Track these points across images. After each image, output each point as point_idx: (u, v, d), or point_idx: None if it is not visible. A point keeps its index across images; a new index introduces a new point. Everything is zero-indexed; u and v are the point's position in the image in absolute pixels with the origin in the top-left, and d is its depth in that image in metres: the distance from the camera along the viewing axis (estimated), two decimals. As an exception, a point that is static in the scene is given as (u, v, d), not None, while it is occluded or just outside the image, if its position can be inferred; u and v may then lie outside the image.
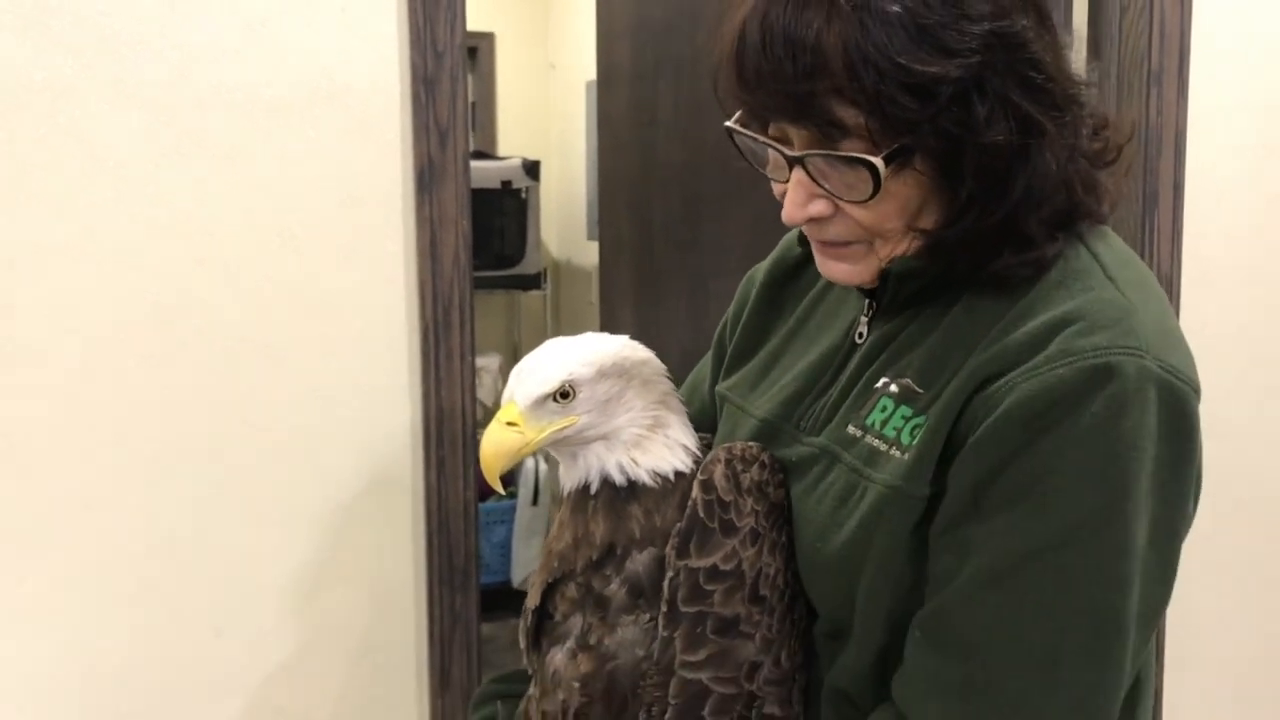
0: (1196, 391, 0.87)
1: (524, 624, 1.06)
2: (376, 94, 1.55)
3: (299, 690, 1.62)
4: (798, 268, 1.13)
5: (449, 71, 1.58)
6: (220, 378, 1.53)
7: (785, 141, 0.90)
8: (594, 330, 1.05)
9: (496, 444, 0.95)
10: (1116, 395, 0.82)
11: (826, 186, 0.89)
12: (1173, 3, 1.86)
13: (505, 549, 4.16)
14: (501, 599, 4.14)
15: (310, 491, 1.59)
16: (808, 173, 0.89)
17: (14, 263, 1.43)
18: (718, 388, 1.15)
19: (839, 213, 0.91)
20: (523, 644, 1.06)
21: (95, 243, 1.46)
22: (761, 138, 0.91)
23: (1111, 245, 0.94)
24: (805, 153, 0.88)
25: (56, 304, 1.45)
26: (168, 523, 1.53)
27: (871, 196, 0.87)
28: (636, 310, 2.72)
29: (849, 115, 0.84)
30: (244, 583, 1.58)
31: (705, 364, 1.23)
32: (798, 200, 0.91)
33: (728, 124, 0.93)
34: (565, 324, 4.51)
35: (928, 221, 0.90)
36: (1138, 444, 0.82)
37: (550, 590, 1.02)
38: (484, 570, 1.65)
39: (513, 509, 4.14)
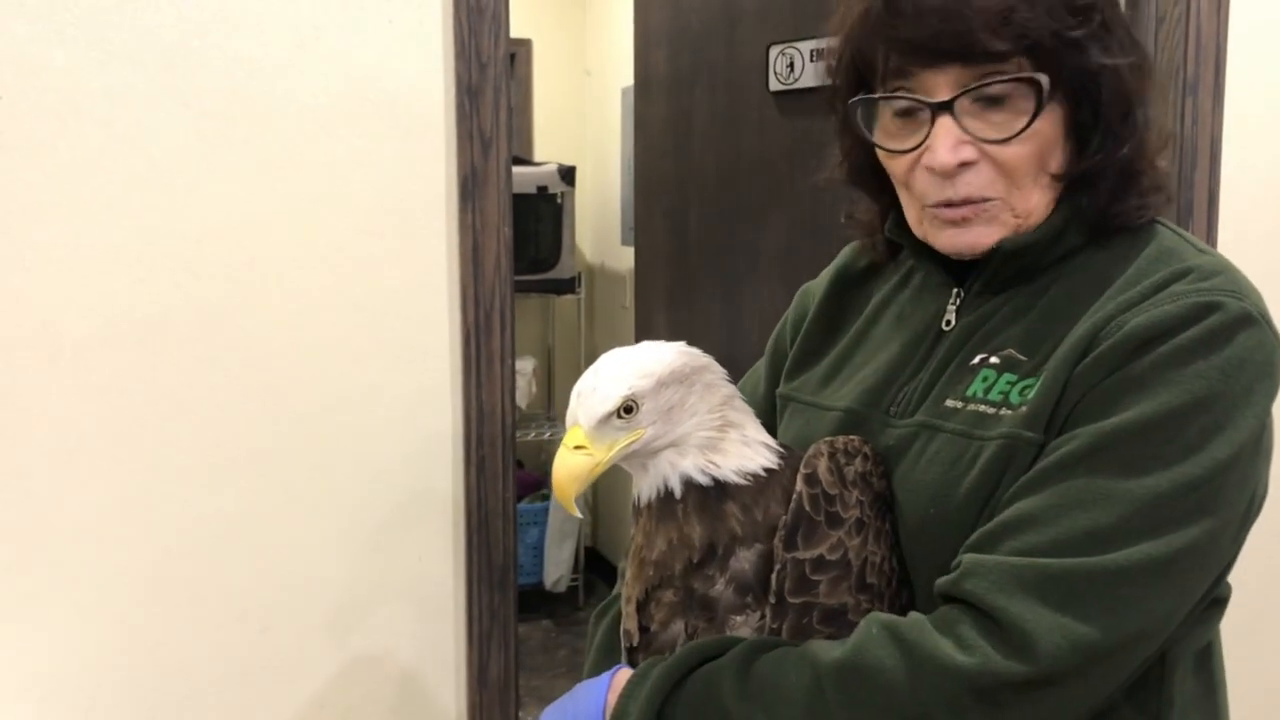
0: None
1: (625, 644, 1.03)
2: (422, 104, 1.59)
3: (341, 685, 1.66)
4: (861, 278, 1.17)
5: (492, 82, 1.61)
6: (267, 379, 1.57)
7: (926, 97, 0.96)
8: (629, 334, 1.06)
9: (569, 469, 0.93)
10: (1215, 326, 0.88)
11: (972, 131, 0.94)
12: (1209, 13, 1.87)
13: (538, 551, 4.20)
14: (534, 600, 4.18)
15: (354, 491, 1.63)
16: (954, 119, 0.94)
17: (72, 265, 1.47)
18: (779, 390, 1.18)
19: (980, 160, 0.95)
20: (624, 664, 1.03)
21: (149, 247, 1.50)
22: (908, 96, 0.96)
23: (1189, 233, 1.02)
24: (960, 91, 0.93)
25: (110, 307, 1.50)
26: (215, 521, 1.57)
27: (1029, 123, 0.93)
28: (671, 315, 2.75)
29: (1002, 45, 0.91)
30: (288, 580, 1.62)
31: (757, 374, 1.25)
32: (948, 145, 0.95)
33: (863, 95, 0.99)
34: (599, 328, 4.54)
35: (1056, 165, 0.97)
36: (1226, 371, 0.87)
37: (642, 603, 1.00)
38: (518, 572, 1.68)
39: (546, 511, 4.17)
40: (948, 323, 1.03)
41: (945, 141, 0.94)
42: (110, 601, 1.54)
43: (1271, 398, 0.91)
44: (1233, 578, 0.98)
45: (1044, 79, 0.91)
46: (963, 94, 0.93)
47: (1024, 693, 0.84)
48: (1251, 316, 0.90)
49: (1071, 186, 0.98)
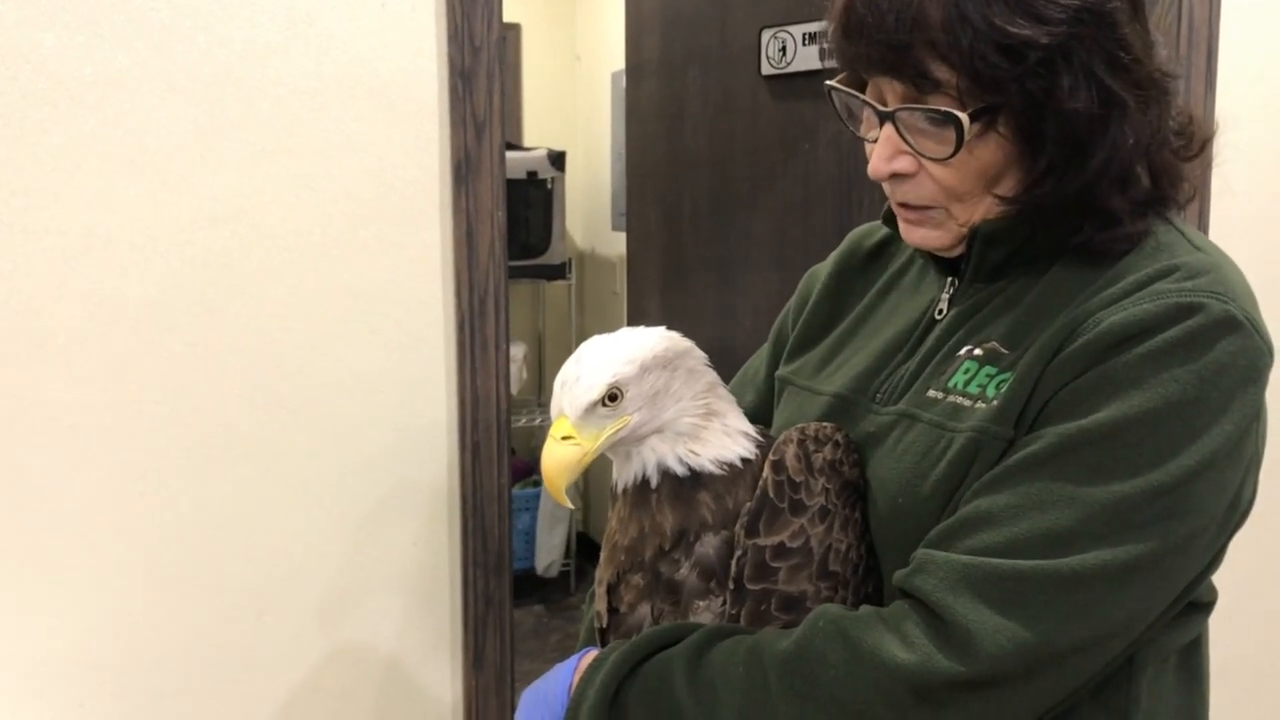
0: (1272, 354, 0.90)
1: (596, 625, 1.05)
2: (415, 88, 1.59)
3: (337, 670, 1.66)
4: (866, 262, 1.16)
5: (485, 65, 1.61)
6: (262, 366, 1.57)
7: (880, 101, 0.95)
8: (619, 320, 1.05)
9: (557, 460, 0.93)
10: (1194, 329, 0.86)
11: (912, 143, 0.93)
12: (1201, -2, 1.87)
13: (530, 536, 4.20)
14: (526, 585, 4.19)
15: (349, 477, 1.63)
16: (897, 129, 0.93)
17: (64, 251, 1.47)
18: (778, 372, 1.18)
19: (920, 172, 0.95)
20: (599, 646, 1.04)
21: (142, 233, 1.50)
22: (857, 94, 0.96)
23: (1191, 228, 0.99)
24: (897, 107, 0.92)
25: (104, 292, 1.49)
26: (211, 508, 1.57)
27: (954, 153, 0.91)
28: (663, 300, 2.75)
29: (941, 71, 0.88)
30: (284, 566, 1.62)
31: (760, 358, 1.26)
32: (884, 155, 0.95)
33: (829, 82, 0.98)
34: (589, 314, 4.54)
35: (1006, 189, 0.94)
36: (1203, 377, 0.85)
37: (613, 586, 1.01)
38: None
39: (537, 496, 4.18)
40: (940, 311, 1.02)
41: (881, 150, 0.95)
42: (104, 589, 1.54)
43: (1255, 405, 0.89)
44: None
45: (964, 117, 0.88)
46: (901, 109, 0.92)
47: (965, 693, 0.84)
48: (1235, 320, 0.87)
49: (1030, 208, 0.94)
